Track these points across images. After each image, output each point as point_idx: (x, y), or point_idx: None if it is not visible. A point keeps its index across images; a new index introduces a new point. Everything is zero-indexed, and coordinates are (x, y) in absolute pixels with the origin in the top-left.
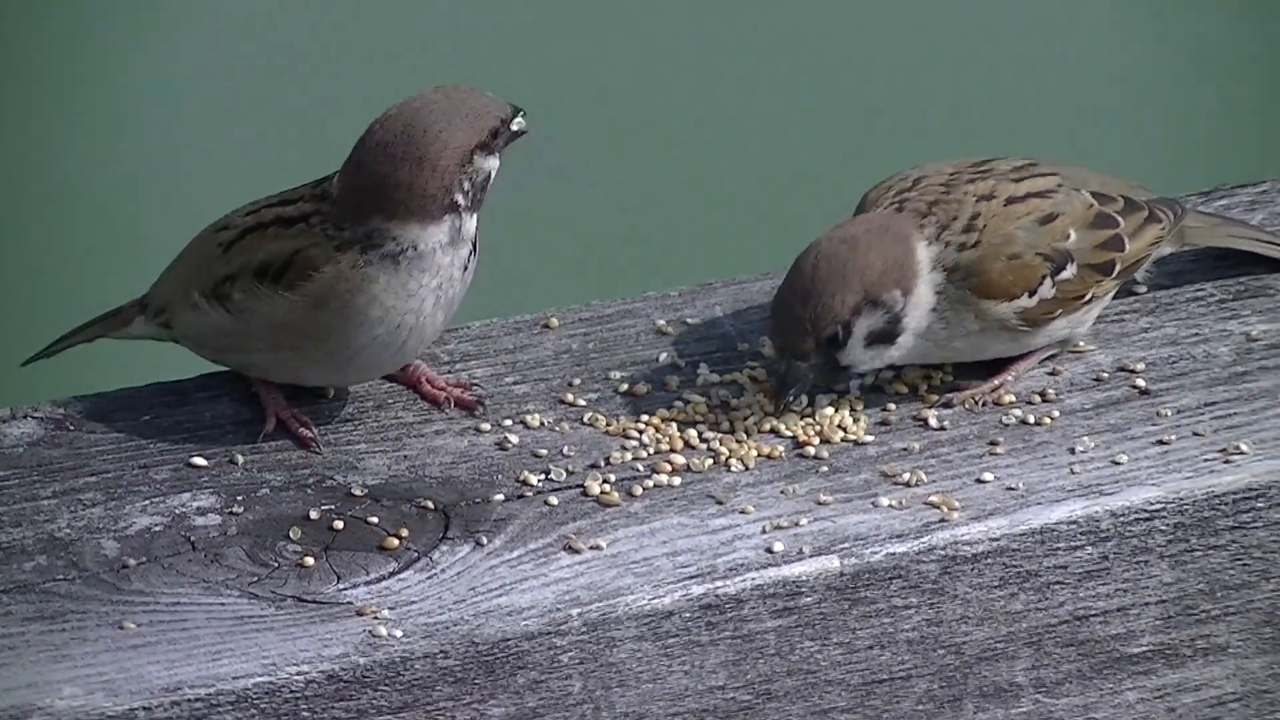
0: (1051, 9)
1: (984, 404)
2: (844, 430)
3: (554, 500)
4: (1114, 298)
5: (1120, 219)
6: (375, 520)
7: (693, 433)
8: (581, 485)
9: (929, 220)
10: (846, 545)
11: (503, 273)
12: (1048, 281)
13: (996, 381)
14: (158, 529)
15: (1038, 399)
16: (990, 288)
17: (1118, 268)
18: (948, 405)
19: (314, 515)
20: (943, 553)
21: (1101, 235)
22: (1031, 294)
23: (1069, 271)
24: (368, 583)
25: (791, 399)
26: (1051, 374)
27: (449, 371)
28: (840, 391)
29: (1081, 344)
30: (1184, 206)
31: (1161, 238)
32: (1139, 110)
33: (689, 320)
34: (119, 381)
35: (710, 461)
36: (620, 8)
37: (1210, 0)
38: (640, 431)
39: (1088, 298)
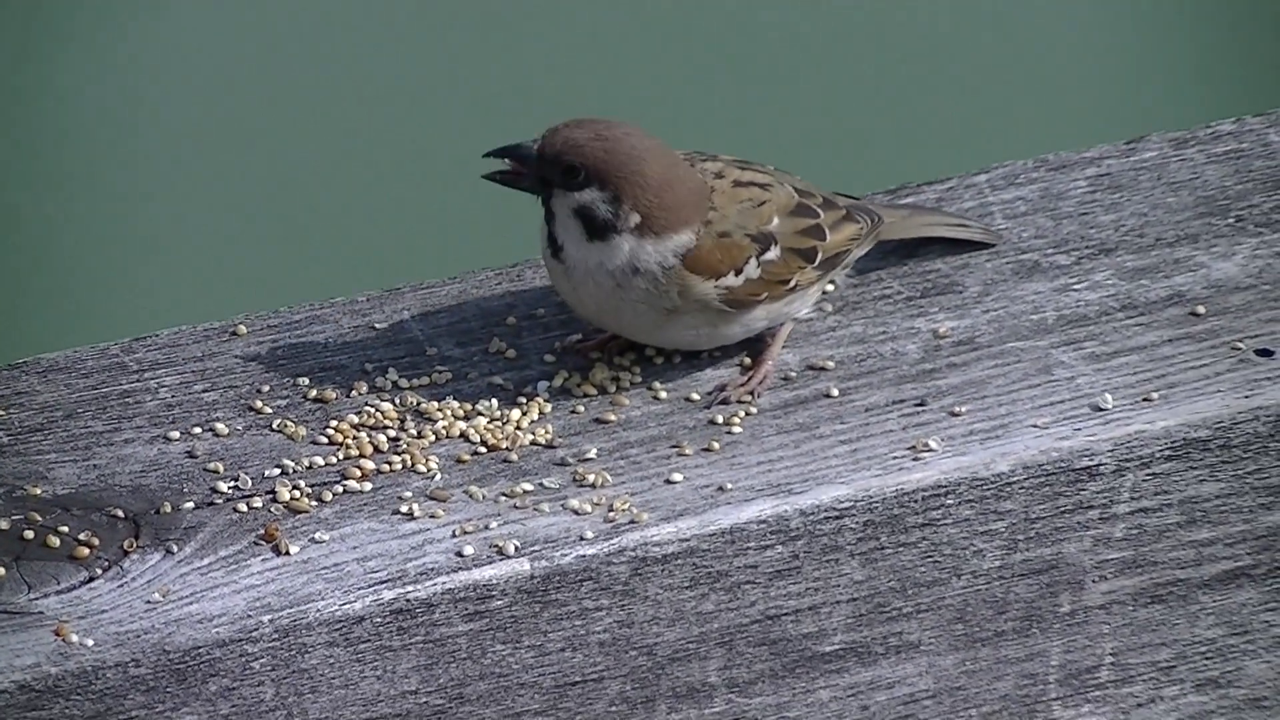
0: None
1: (756, 394)
2: (532, 434)
3: (244, 507)
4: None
5: (820, 211)
6: (66, 530)
7: (382, 437)
8: (272, 492)
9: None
10: (536, 548)
11: (190, 279)
12: (753, 262)
13: (760, 373)
14: None
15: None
16: (698, 263)
17: (819, 255)
18: (725, 402)
19: (3, 525)
20: (633, 554)
21: (802, 223)
22: (738, 273)
23: (773, 253)
24: (59, 592)
25: (500, 162)
26: (741, 370)
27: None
28: (529, 395)
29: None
30: (880, 216)
31: (859, 237)
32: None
33: (377, 325)
34: None
35: (400, 466)
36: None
37: None
38: (329, 437)
39: (791, 283)
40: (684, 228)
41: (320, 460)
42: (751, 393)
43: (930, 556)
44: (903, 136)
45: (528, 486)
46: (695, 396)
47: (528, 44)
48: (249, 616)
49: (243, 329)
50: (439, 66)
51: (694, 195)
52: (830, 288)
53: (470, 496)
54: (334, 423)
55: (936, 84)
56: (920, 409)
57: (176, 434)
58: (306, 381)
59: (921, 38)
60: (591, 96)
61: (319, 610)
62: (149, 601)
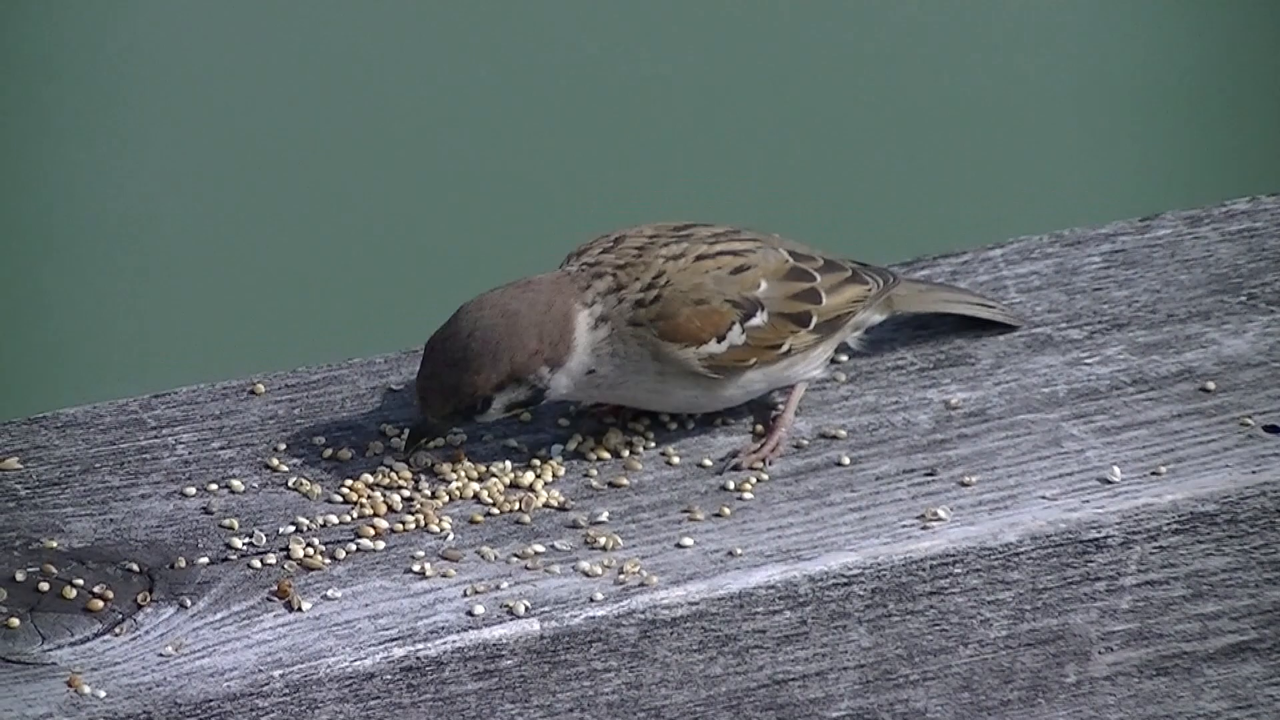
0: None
1: (768, 461)
2: (545, 496)
3: (258, 563)
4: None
5: (817, 275)
6: (81, 582)
7: (396, 497)
8: (286, 549)
9: (605, 283)
10: (547, 608)
11: (209, 338)
12: (737, 328)
13: (773, 441)
14: None
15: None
16: (675, 331)
17: (814, 320)
18: (737, 469)
19: (19, 577)
20: (642, 616)
21: (795, 287)
22: (720, 339)
23: (759, 319)
24: (72, 644)
25: (420, 447)
26: (754, 438)
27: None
28: (542, 458)
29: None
30: (895, 276)
31: (864, 298)
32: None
33: (394, 386)
34: None
35: (413, 525)
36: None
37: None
38: (344, 496)
39: (784, 348)
40: (581, 317)
41: (334, 518)
42: (764, 460)
43: (938, 625)
44: (919, 210)
45: (539, 548)
46: (708, 462)
47: (554, 111)
48: (260, 671)
49: (261, 388)
50: (461, 132)
51: (547, 297)
52: (844, 358)
53: (482, 557)
54: (349, 482)
55: (953, 159)
56: (930, 478)
57: (193, 490)
58: (322, 440)
59: (938, 112)
60: (611, 185)
61: (330, 666)
62: (162, 654)
